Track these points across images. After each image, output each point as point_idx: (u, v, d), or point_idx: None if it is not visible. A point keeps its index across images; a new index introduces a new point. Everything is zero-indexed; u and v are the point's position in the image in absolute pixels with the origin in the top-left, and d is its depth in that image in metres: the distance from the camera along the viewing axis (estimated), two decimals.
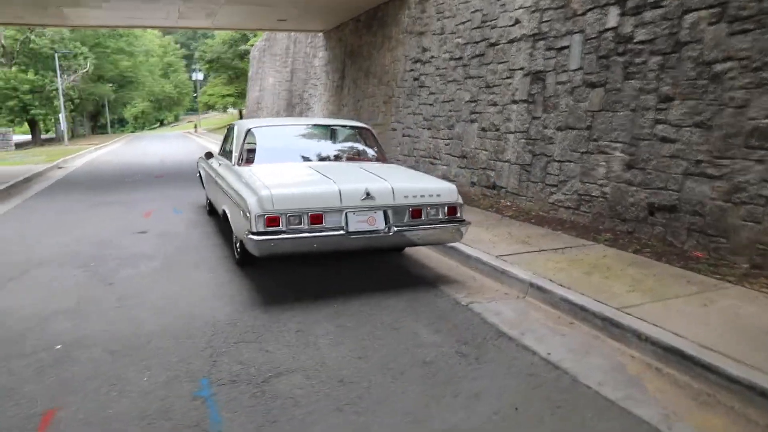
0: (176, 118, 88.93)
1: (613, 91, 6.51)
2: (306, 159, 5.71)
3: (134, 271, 5.37)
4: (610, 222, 6.40)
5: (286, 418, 2.78)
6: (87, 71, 33.22)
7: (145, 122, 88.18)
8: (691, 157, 5.53)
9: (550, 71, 7.59)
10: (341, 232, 4.43)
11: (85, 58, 33.15)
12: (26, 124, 34.33)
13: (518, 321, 4.11)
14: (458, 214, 4.89)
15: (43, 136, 38.25)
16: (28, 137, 34.79)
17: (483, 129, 9.06)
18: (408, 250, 6.11)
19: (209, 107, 54.90)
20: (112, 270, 5.43)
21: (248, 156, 5.62)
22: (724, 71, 5.20)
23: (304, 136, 6.19)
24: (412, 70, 11.83)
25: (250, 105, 34.50)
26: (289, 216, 4.33)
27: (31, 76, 29.69)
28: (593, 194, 6.70)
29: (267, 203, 4.30)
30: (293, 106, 22.71)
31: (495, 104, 8.78)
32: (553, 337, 3.79)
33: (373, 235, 4.55)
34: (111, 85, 51.49)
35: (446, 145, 10.21)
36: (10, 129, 27.32)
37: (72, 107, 35.76)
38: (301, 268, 5.40)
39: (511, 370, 3.29)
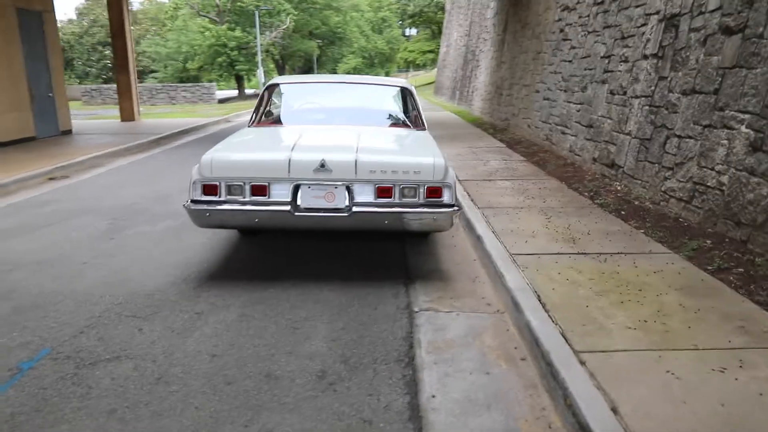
0: (387, 75, 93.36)
1: (752, 38, 4.83)
2: (317, 121, 5.35)
3: (146, 229, 5.67)
4: (722, 224, 4.86)
5: (52, 410, 2.62)
6: (287, 28, 36.34)
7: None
8: None
9: (685, 14, 5.95)
10: (287, 207, 4.05)
11: (288, 14, 36.25)
12: (234, 79, 39.13)
13: (453, 344, 3.32)
14: (443, 197, 4.11)
15: (252, 91, 43.29)
16: (236, 92, 39.74)
17: (611, 92, 7.59)
18: (437, 234, 5.42)
19: (409, 64, 56.27)
20: (130, 225, 5.82)
21: (259, 116, 5.46)
22: None
23: (329, 95, 5.80)
24: (559, 19, 10.41)
25: (440, 61, 34.44)
26: (229, 185, 4.08)
27: (237, 33, 33.57)
28: (708, 184, 5.14)
29: (206, 169, 4.11)
30: (467, 63, 21.98)
31: (626, 60, 7.25)
32: (470, 376, 2.97)
33: (328, 214, 4.07)
34: (319, 41, 55.77)
35: (577, 111, 8.82)
36: (214, 84, 31.43)
37: (272, 63, 39.58)
38: (298, 242, 5.15)
39: (351, 408, 2.64)
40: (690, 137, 5.55)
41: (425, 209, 4.08)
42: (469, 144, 11.08)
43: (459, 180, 7.43)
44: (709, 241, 4.67)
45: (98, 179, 8.62)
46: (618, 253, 4.44)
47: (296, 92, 5.92)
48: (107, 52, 60.17)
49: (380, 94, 5.91)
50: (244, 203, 4.08)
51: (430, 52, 48.83)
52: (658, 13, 6.56)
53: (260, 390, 2.81)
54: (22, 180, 8.07)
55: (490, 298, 3.99)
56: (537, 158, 9.16)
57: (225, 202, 4.09)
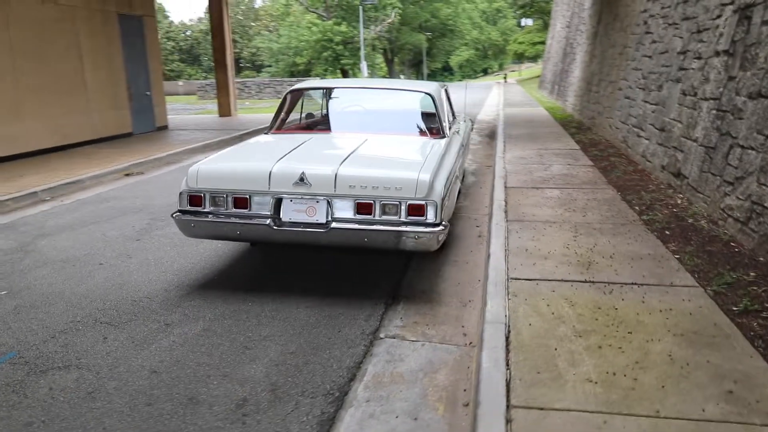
0: (500, 67, 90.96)
1: None
2: (330, 129, 5.24)
3: (175, 231, 5.82)
4: None
5: None
6: (392, 21, 36.46)
7: (469, 71, 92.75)
8: None
9: (759, 4, 5.12)
10: (267, 221, 3.98)
11: (393, 8, 36.35)
12: (339, 73, 39.98)
13: (400, 380, 3.07)
14: (426, 216, 3.83)
15: None
16: None
17: (683, 92, 6.76)
18: (453, 249, 5.12)
19: (519, 56, 54.40)
20: (165, 226, 6.04)
21: (278, 123, 5.43)
22: None
23: (351, 101, 5.64)
24: (644, 10, 9.47)
25: (545, 53, 32.94)
26: (213, 196, 4.08)
27: (343, 28, 34.22)
28: (766, 204, 4.40)
29: (192, 180, 4.14)
30: (566, 56, 20.77)
31: (699, 56, 6.42)
32: (395, 420, 2.71)
33: (308, 229, 3.95)
34: (429, 33, 55.53)
35: (652, 112, 7.98)
36: (318, 78, 32.30)
37: (381, 57, 39.90)
38: (303, 252, 5.08)
39: None
40: (752, 148, 4.77)
41: (407, 228, 3.83)
42: (541, 146, 10.43)
43: (506, 187, 7.00)
44: (753, 274, 3.98)
45: (167, 176, 9.11)
46: (631, 283, 3.90)
47: (317, 98, 5.84)
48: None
49: (402, 101, 5.65)
50: (227, 215, 4.07)
51: (541, 43, 46.64)
52: (733, 2, 5.71)
53: (174, 415, 2.75)
54: (99, 176, 8.71)
55: (470, 328, 3.67)
56: (606, 163, 8.40)
57: (210, 213, 4.10)
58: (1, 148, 9.68)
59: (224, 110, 18.05)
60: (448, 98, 6.65)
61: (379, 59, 56.10)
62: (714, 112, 5.70)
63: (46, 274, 4.67)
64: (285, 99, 5.52)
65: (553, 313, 3.47)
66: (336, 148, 4.51)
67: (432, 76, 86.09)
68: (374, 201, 3.85)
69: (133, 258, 5.04)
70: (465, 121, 7.43)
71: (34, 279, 4.58)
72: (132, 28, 13.09)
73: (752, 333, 3.18)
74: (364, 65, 34.23)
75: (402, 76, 72.60)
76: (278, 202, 4.01)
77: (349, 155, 4.23)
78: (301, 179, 3.92)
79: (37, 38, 10.40)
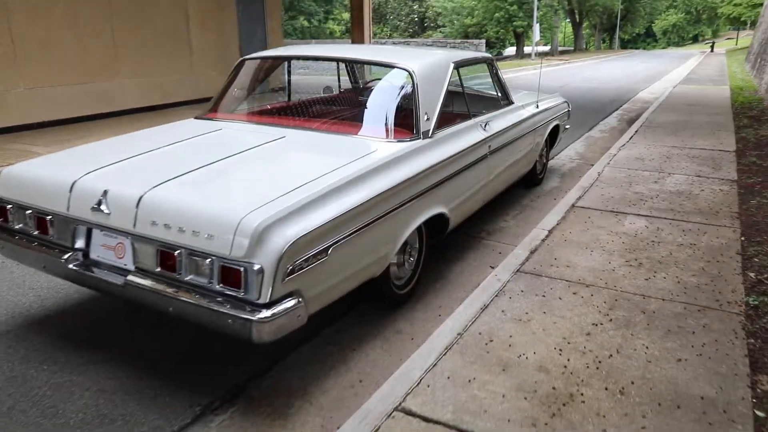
0: (714, 34, 78.23)
1: None
2: (255, 116, 3.76)
3: None
4: None
5: None
6: None
7: (676, 37, 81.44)
8: None
9: None
10: (64, 255, 2.68)
11: None
12: (512, 35, 36.59)
13: None
14: (243, 288, 2.21)
15: (529, 49, 40.30)
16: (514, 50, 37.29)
17: None
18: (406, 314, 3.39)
19: (734, 21, 45.45)
20: None
21: (215, 103, 4.02)
22: None
23: (301, 78, 3.98)
24: None
25: (759, 19, 26.60)
26: (20, 210, 2.87)
27: None
28: None
29: (2, 183, 2.96)
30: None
31: None
32: None
33: (104, 277, 2.57)
34: None
35: None
36: (483, 41, 29.70)
37: (568, 19, 35.89)
38: None
39: None
40: None
41: (211, 305, 2.25)
42: (681, 141, 7.66)
43: (573, 206, 4.88)
44: None
45: None
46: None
47: (269, 73, 4.29)
48: (416, 6, 62.90)
49: (379, 82, 3.86)
50: (28, 237, 2.85)
51: (762, 5, 38.10)
52: None
53: None
54: None
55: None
56: (756, 179, 5.65)
57: (18, 232, 2.91)
58: (96, 105, 9.64)
59: None
60: (497, 75, 4.69)
61: (566, 24, 51.16)
62: None
63: None
64: (234, 72, 4.08)
65: None
66: (212, 152, 3.00)
67: (632, 43, 76.83)
68: (179, 250, 2.33)
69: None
70: (537, 107, 5.33)
71: None
72: None
73: None
74: (536, 28, 30.78)
75: (598, 42, 65.78)
76: (89, 231, 2.68)
77: (200, 168, 2.72)
78: (99, 203, 2.53)
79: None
